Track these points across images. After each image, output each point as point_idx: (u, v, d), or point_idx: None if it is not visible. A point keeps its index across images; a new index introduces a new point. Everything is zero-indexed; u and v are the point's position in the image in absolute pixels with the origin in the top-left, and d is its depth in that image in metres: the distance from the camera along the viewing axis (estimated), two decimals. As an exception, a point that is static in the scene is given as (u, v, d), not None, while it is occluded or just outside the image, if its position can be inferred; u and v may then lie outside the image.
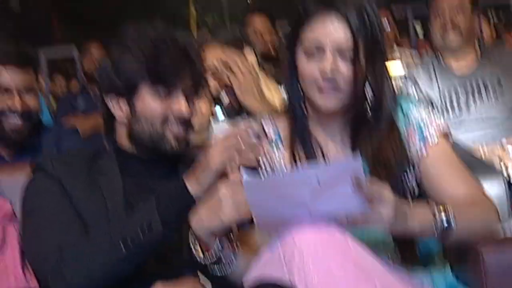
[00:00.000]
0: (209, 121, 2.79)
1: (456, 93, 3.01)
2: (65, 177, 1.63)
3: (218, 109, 2.74)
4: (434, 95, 3.02)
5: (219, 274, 1.49)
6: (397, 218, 1.38)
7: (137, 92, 1.64)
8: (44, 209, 1.60)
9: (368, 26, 1.54)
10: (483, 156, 2.52)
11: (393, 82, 1.63)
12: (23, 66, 2.23)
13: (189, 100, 1.68)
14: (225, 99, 2.39)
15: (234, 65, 2.31)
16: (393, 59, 3.87)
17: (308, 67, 1.56)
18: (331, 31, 1.53)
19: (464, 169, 1.63)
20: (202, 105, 2.72)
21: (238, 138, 1.48)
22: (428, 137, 1.62)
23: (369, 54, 1.55)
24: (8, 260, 1.69)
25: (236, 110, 2.42)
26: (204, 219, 1.45)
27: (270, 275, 1.38)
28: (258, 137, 1.49)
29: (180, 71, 1.64)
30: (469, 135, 2.93)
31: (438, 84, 3.03)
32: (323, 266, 1.33)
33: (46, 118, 3.84)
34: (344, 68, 1.54)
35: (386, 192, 1.39)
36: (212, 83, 2.42)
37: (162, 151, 1.68)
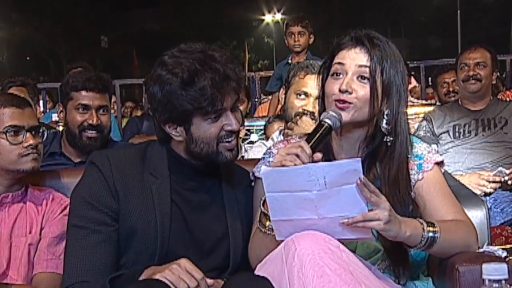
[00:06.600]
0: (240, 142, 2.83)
1: (468, 123, 3.03)
2: (118, 175, 1.60)
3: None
4: (446, 129, 3.05)
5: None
6: (391, 223, 1.40)
7: (191, 122, 1.59)
8: (81, 227, 1.57)
9: (387, 61, 1.57)
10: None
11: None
12: (100, 90, 2.37)
13: (235, 112, 1.63)
14: None
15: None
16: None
17: (331, 85, 1.60)
18: (355, 58, 1.58)
19: (451, 194, 1.63)
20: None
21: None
22: (424, 165, 1.64)
23: (385, 86, 1.57)
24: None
25: None
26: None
27: (273, 272, 1.41)
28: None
29: (223, 93, 1.56)
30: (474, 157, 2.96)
31: (452, 120, 3.05)
32: (319, 270, 1.35)
33: (116, 134, 3.93)
34: (360, 88, 1.56)
35: (383, 198, 1.40)
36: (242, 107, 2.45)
37: (218, 163, 1.65)
